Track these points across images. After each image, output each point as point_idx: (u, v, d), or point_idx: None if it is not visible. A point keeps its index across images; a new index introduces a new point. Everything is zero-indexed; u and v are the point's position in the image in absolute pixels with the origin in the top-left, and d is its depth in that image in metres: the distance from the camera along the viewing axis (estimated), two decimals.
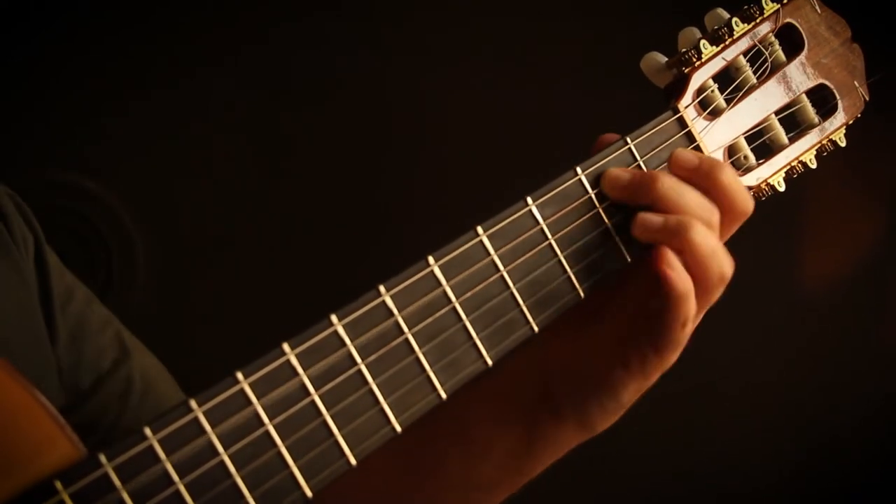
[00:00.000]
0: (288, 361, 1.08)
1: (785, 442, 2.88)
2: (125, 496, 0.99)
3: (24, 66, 2.69)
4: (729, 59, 1.40)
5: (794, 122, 1.46)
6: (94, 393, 1.44)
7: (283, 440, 1.07)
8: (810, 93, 1.47)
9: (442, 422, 1.33)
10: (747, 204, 1.31)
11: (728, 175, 1.28)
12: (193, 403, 1.04)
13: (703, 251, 1.25)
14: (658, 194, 1.26)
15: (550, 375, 1.34)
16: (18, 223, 1.45)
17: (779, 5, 1.44)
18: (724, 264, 1.27)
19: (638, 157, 1.32)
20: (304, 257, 2.80)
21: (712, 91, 1.39)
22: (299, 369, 1.09)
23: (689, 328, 1.29)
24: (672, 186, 1.26)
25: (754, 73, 1.42)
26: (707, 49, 1.38)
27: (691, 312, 1.27)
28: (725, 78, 1.40)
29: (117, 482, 0.99)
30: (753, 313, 2.83)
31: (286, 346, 1.09)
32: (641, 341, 1.29)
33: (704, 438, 2.87)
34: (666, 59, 1.40)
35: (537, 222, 1.25)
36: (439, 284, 1.18)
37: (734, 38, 1.40)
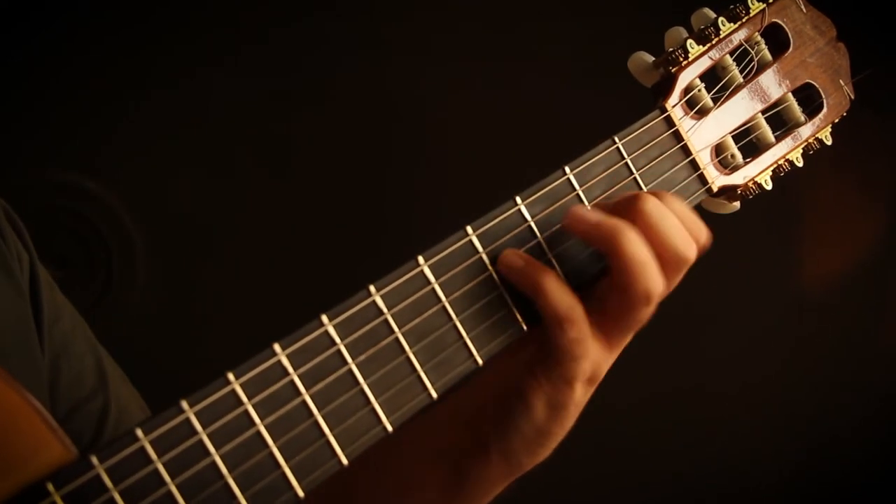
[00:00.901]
0: (279, 361, 1.09)
1: (785, 442, 2.88)
2: (117, 497, 1.00)
3: (24, 66, 2.70)
4: (715, 58, 1.40)
5: (780, 121, 1.46)
6: (69, 419, 1.43)
7: (274, 440, 1.08)
8: (796, 92, 1.47)
9: (382, 454, 1.30)
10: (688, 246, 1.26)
11: (649, 204, 1.24)
12: (185, 404, 1.04)
13: (633, 260, 1.20)
14: (641, 214, 1.23)
15: (480, 408, 1.31)
16: (13, 238, 1.45)
17: (764, 5, 1.44)
18: (652, 282, 1.21)
19: (626, 156, 1.32)
20: (303, 257, 2.81)
21: (699, 90, 1.39)
22: (290, 369, 1.09)
23: (575, 334, 1.22)
24: (656, 207, 1.23)
25: (741, 72, 1.43)
26: (694, 48, 1.39)
27: (561, 309, 1.21)
28: (712, 77, 1.41)
29: (109, 483, 1.00)
30: (753, 313, 2.84)
31: (277, 347, 1.09)
32: (539, 365, 1.25)
33: (704, 438, 2.87)
34: (653, 58, 1.40)
35: (526, 220, 1.25)
36: (428, 283, 1.19)
37: (720, 37, 1.41)
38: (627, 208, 1.23)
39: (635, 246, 1.20)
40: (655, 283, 1.22)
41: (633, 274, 1.20)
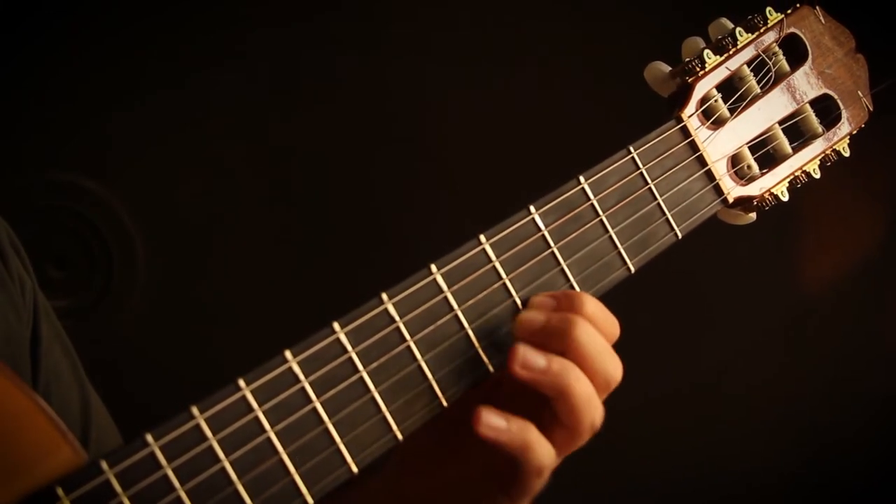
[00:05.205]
0: (290, 369, 1.08)
1: (786, 443, 2.88)
2: (126, 502, 0.99)
3: (25, 66, 2.69)
4: (733, 68, 1.40)
5: (798, 132, 1.46)
6: None
7: (284, 447, 1.07)
8: (814, 103, 1.47)
9: None
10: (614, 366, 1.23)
11: (583, 332, 1.20)
12: (195, 410, 1.04)
13: (581, 401, 1.18)
14: (574, 343, 1.19)
15: None
16: (15, 262, 1.45)
17: (783, 15, 1.44)
18: (596, 414, 1.20)
19: (640, 166, 1.32)
20: (305, 258, 2.80)
21: (716, 100, 1.39)
22: (301, 376, 1.09)
23: (547, 475, 1.20)
24: (589, 335, 1.19)
25: (758, 82, 1.43)
26: (711, 59, 1.39)
27: (545, 461, 1.18)
28: (729, 88, 1.40)
29: (118, 488, 0.99)
30: (754, 314, 2.84)
31: (288, 354, 1.09)
32: (494, 486, 1.22)
33: (705, 439, 2.87)
34: (670, 68, 1.40)
35: (539, 230, 1.25)
36: (441, 292, 1.18)
37: (738, 47, 1.41)
38: (560, 335, 1.19)
39: (583, 386, 1.18)
40: (599, 413, 1.21)
41: (581, 413, 1.19)
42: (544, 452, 1.18)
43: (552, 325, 1.19)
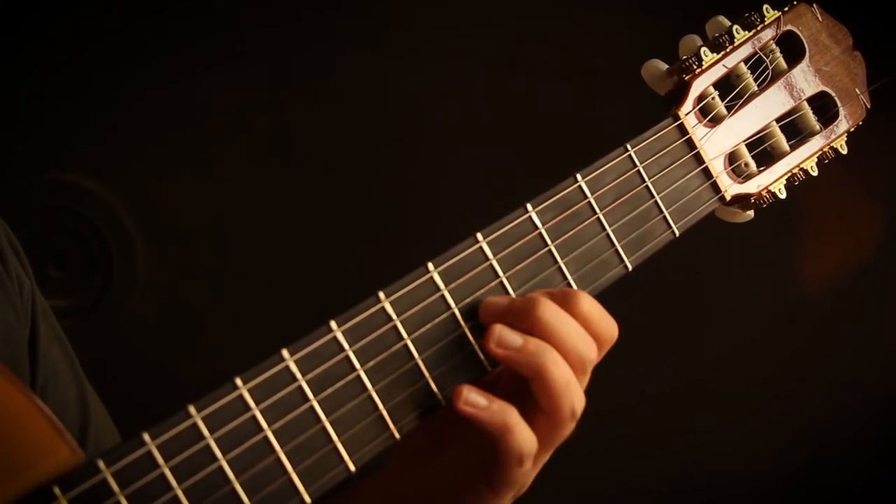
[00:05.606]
0: (287, 367, 1.09)
1: (786, 442, 2.88)
2: (123, 501, 0.99)
3: (25, 66, 2.69)
4: (730, 66, 1.40)
5: (795, 130, 1.46)
6: None
7: (281, 446, 1.07)
8: (811, 100, 1.47)
9: None
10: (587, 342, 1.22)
11: (547, 310, 1.20)
12: (192, 409, 1.04)
13: (558, 383, 1.18)
14: (539, 321, 1.18)
15: None
16: (14, 262, 1.45)
17: (780, 13, 1.44)
18: (576, 399, 1.19)
19: (638, 164, 1.32)
20: (304, 258, 2.80)
21: (713, 98, 1.39)
22: (298, 375, 1.09)
23: (528, 465, 1.19)
24: (554, 313, 1.19)
25: (755, 80, 1.42)
26: (708, 56, 1.39)
27: (525, 447, 1.17)
28: (726, 85, 1.40)
29: (115, 487, 0.99)
30: (753, 313, 2.84)
31: (285, 352, 1.09)
32: (476, 474, 1.21)
33: (704, 438, 2.87)
34: (667, 66, 1.40)
35: (536, 227, 1.25)
36: (438, 290, 1.18)
37: (735, 45, 1.40)
38: (523, 314, 1.19)
39: (559, 367, 1.18)
40: (579, 398, 1.20)
41: (560, 396, 1.18)
42: (525, 437, 1.17)
43: (515, 305, 1.20)
